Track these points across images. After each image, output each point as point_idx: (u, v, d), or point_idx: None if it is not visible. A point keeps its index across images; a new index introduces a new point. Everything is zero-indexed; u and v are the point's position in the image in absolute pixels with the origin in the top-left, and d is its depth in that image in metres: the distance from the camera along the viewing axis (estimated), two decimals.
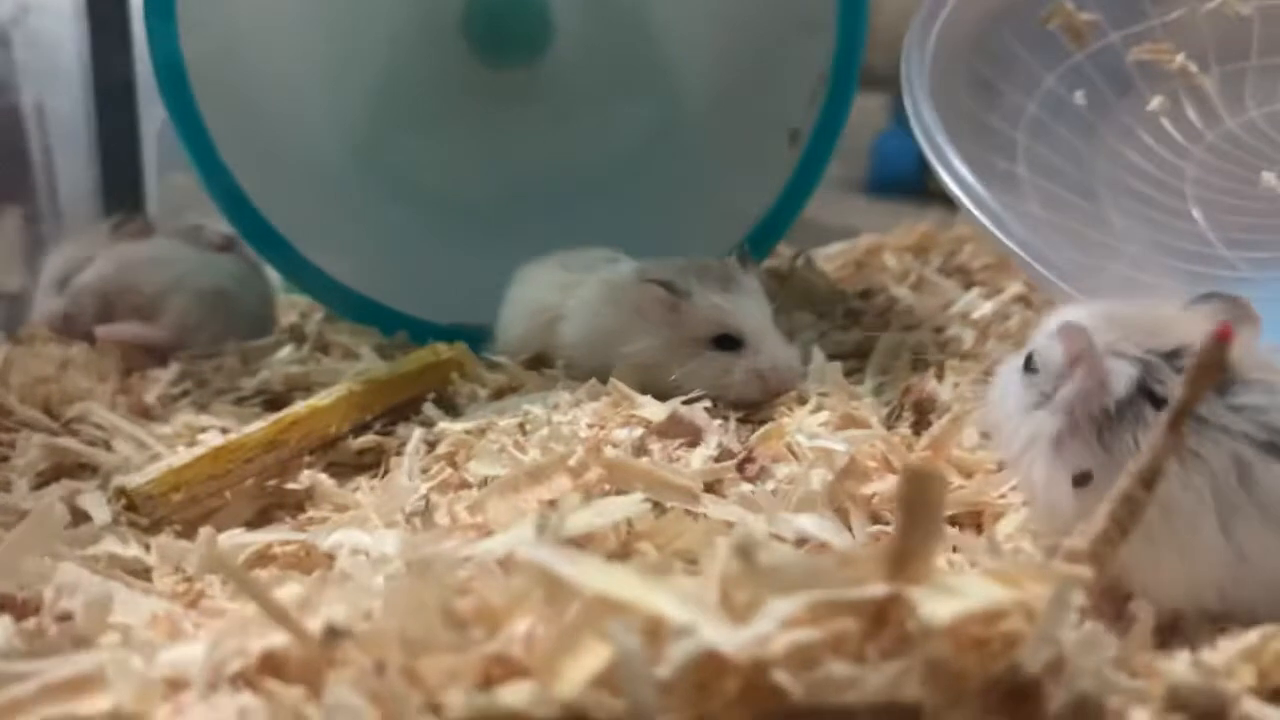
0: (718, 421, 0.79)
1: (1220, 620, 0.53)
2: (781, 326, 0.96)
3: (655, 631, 0.40)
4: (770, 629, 0.40)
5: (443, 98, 1.22)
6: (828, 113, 1.13)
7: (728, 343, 0.88)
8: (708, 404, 0.82)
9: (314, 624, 0.43)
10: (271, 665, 0.43)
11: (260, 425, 0.79)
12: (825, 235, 1.57)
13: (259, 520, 0.77)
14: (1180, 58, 1.07)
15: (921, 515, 0.42)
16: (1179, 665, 0.42)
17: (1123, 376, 0.50)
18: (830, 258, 1.51)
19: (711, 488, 0.69)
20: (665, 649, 0.39)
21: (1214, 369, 0.42)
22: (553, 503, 0.63)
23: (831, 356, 0.96)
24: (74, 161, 1.49)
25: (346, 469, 0.83)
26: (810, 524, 0.50)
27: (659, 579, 0.42)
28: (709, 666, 0.39)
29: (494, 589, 0.45)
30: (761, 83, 1.23)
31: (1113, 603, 0.55)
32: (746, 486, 0.70)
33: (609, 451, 0.67)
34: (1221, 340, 0.41)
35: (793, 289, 1.24)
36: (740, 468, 0.72)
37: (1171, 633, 0.53)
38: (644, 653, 0.38)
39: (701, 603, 0.41)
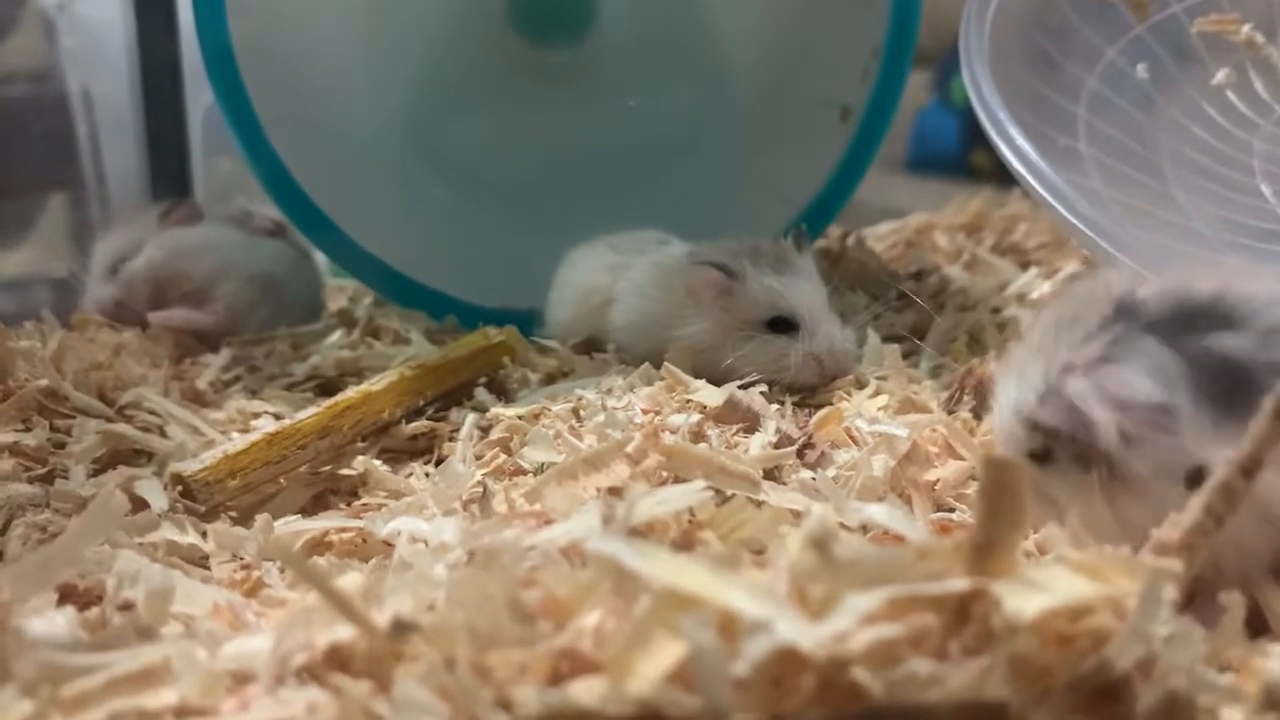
0: (774, 406, 0.78)
1: None
2: (834, 308, 0.94)
3: (728, 626, 0.39)
4: (849, 625, 0.38)
5: (489, 79, 1.21)
6: (881, 89, 1.10)
7: (782, 325, 0.87)
8: (764, 388, 0.80)
9: (379, 616, 0.42)
10: (338, 658, 0.42)
11: (313, 411, 0.79)
12: (866, 214, 1.55)
13: (313, 507, 0.77)
14: (1246, 28, 1.04)
15: (1003, 505, 0.41)
16: (1275, 662, 0.41)
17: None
18: (880, 237, 1.49)
19: (771, 474, 0.68)
20: (740, 645, 0.38)
21: None
22: (614, 490, 0.62)
23: (886, 339, 0.94)
24: (121, 147, 1.49)
25: (400, 454, 0.83)
26: (880, 513, 0.49)
27: (730, 571, 0.41)
28: (785, 663, 0.38)
29: (561, 581, 0.44)
30: (812, 60, 1.21)
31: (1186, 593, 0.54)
32: (807, 473, 0.69)
33: (666, 438, 0.65)
34: None
35: (844, 270, 1.22)
36: (800, 454, 0.71)
37: (1259, 626, 0.51)
38: (719, 649, 0.37)
39: (775, 597, 0.40)
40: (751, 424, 0.74)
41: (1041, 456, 0.55)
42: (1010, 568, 0.41)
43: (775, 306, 0.87)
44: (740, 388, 0.79)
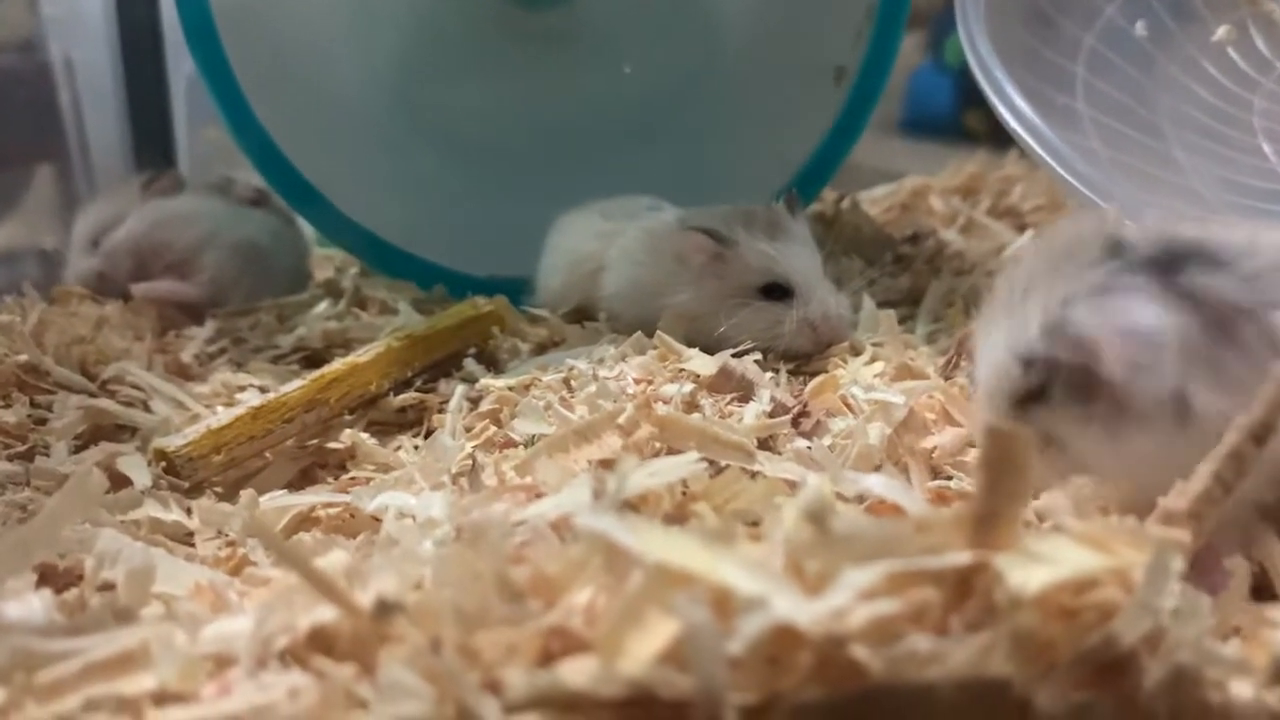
0: (768, 374, 0.76)
1: None
2: (828, 273, 0.92)
3: (723, 603, 0.38)
4: (847, 600, 0.37)
5: (476, 42, 1.18)
6: (875, 48, 1.08)
7: (776, 292, 0.85)
8: (757, 356, 0.79)
9: (363, 596, 0.41)
10: (321, 641, 0.41)
11: (299, 384, 0.77)
12: (861, 177, 1.53)
13: (301, 481, 0.76)
14: None
15: (1005, 476, 0.39)
16: None
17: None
18: (875, 200, 1.47)
19: (765, 444, 0.67)
20: (735, 622, 0.37)
21: None
22: (606, 463, 0.61)
23: (881, 304, 0.93)
24: (103, 117, 1.46)
25: (388, 427, 0.81)
26: (878, 483, 0.48)
27: (724, 546, 0.39)
28: (782, 641, 0.37)
29: (551, 557, 0.43)
30: (806, 21, 1.18)
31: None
32: (802, 442, 0.67)
33: (659, 408, 0.64)
34: None
35: (839, 234, 1.21)
36: (795, 422, 0.69)
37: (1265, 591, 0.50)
38: (713, 627, 0.36)
39: (770, 572, 0.38)
40: (746, 393, 0.73)
41: (1038, 395, 0.54)
42: (1012, 540, 0.39)
43: (769, 273, 0.85)
44: (734, 356, 0.77)
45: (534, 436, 0.67)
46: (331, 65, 1.11)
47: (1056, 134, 0.88)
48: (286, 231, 1.12)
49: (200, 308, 1.02)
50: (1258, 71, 1.01)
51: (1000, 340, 0.54)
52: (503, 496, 0.57)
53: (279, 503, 0.67)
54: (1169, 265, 0.52)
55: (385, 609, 0.40)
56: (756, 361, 0.79)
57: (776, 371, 0.79)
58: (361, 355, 0.81)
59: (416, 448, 0.76)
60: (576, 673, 0.37)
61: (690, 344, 0.82)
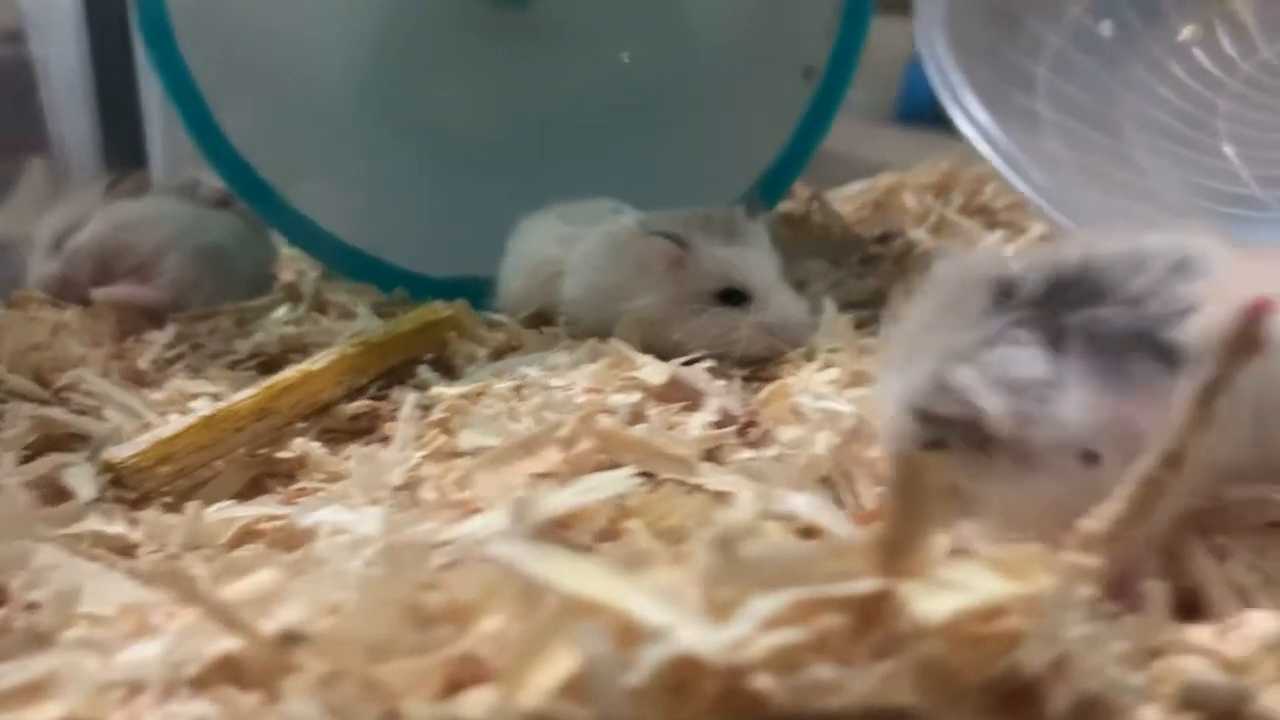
0: (720, 383, 0.76)
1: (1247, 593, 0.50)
2: (794, 274, 0.92)
3: (629, 634, 0.38)
4: (748, 630, 0.37)
5: (444, 39, 1.18)
6: (841, 45, 1.08)
7: (734, 297, 0.85)
8: (711, 364, 0.79)
9: (269, 624, 0.41)
10: (229, 669, 0.41)
11: (251, 392, 0.77)
12: (854, 169, 1.53)
13: (250, 490, 0.75)
14: None
15: (914, 502, 0.39)
16: (1192, 661, 0.39)
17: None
18: (849, 198, 1.47)
19: (712, 455, 0.67)
20: (636, 653, 0.36)
21: (1249, 344, 0.38)
22: (546, 476, 0.61)
23: (846, 306, 0.92)
24: (75, 114, 1.46)
25: (342, 435, 0.81)
26: (802, 504, 0.47)
27: (636, 574, 0.39)
28: (685, 671, 0.37)
29: (467, 583, 0.43)
30: (776, 19, 1.18)
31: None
32: (749, 453, 0.67)
33: (603, 420, 0.64)
34: (1258, 313, 0.38)
35: (806, 234, 1.20)
36: (742, 432, 0.69)
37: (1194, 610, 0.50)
38: (613, 659, 0.36)
39: (680, 601, 0.38)
40: (695, 402, 0.72)
41: (935, 446, 0.53)
42: (922, 567, 0.39)
43: (726, 278, 0.85)
44: (686, 364, 0.77)
45: (479, 449, 0.66)
46: (293, 60, 1.10)
47: (1015, 137, 0.88)
48: (252, 234, 1.11)
49: (162, 311, 1.01)
50: (1223, 72, 1.01)
51: (895, 389, 0.54)
52: (439, 513, 0.57)
53: (225, 514, 0.67)
54: (1056, 302, 0.51)
55: (289, 639, 0.39)
56: (710, 369, 0.78)
57: (730, 379, 0.79)
58: (315, 363, 0.80)
59: (372, 458, 0.75)
60: (475, 704, 0.37)
61: (648, 349, 0.82)
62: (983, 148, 0.81)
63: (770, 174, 1.13)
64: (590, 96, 1.21)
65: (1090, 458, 0.46)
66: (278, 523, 0.65)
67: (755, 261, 0.86)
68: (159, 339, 0.95)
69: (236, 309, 1.02)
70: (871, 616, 0.39)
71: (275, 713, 0.38)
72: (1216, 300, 0.47)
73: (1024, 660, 0.37)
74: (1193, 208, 0.91)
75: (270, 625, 0.40)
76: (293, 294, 1.07)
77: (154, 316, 1.01)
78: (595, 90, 1.21)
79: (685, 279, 0.85)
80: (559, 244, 0.94)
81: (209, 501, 0.70)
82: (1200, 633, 0.46)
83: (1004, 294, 0.52)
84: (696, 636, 0.37)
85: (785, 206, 1.33)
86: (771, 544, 0.39)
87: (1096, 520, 0.42)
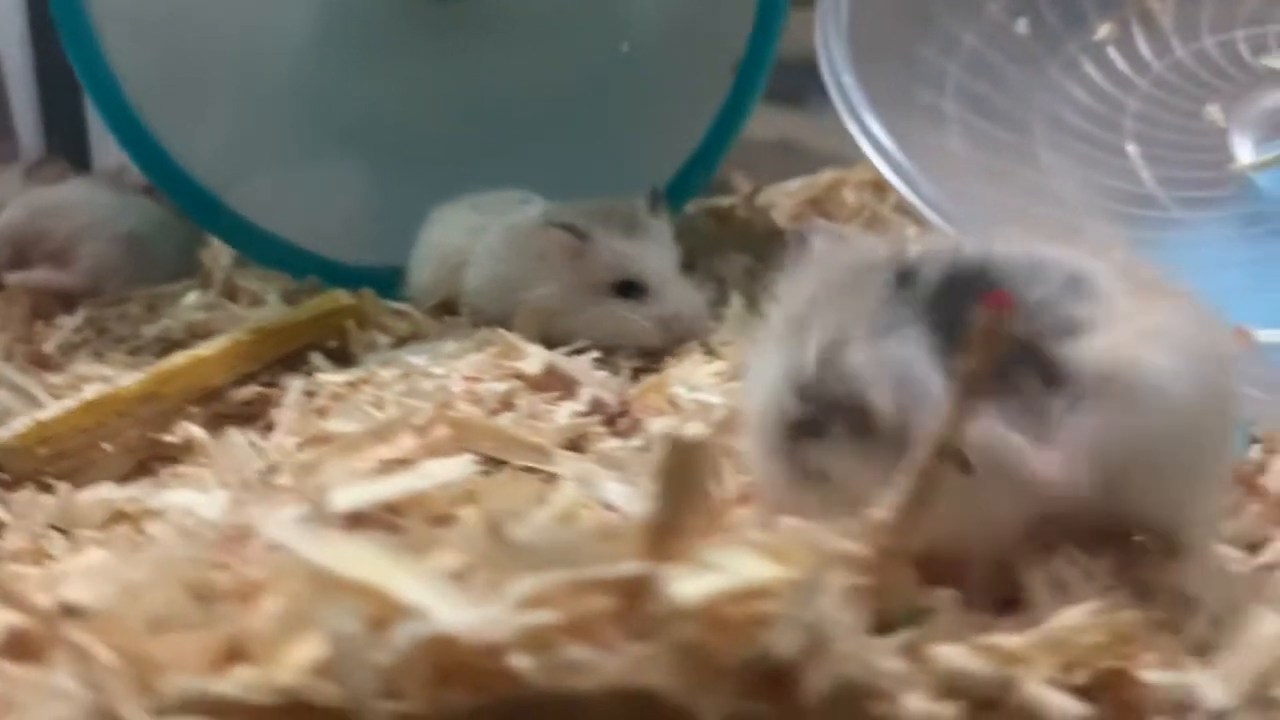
0: (602, 373, 0.77)
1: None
2: (715, 269, 0.92)
3: (393, 614, 0.38)
4: (505, 610, 0.37)
5: (374, 29, 1.18)
6: (755, 40, 1.08)
7: (631, 289, 0.86)
8: (598, 354, 0.79)
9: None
10: (18, 645, 0.42)
11: (138, 376, 0.78)
12: (820, 162, 1.52)
13: (137, 473, 0.76)
14: None
15: (683, 486, 0.40)
16: (953, 650, 0.40)
17: None
18: (790, 193, 1.47)
19: (576, 444, 0.67)
20: (390, 632, 0.37)
21: (996, 337, 0.39)
22: (400, 462, 0.61)
23: (760, 301, 0.92)
24: (19, 101, 1.46)
25: (234, 420, 0.81)
26: (614, 491, 0.48)
27: (407, 557, 0.40)
28: (442, 651, 0.38)
29: (259, 563, 0.43)
30: (704, 13, 1.19)
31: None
32: (615, 443, 0.68)
33: (461, 407, 0.65)
34: (1000, 306, 0.38)
35: (733, 229, 1.21)
36: (612, 422, 0.70)
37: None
38: (362, 637, 0.36)
39: (443, 583, 0.39)
40: (570, 392, 0.73)
41: (812, 428, 0.53)
42: (689, 550, 0.40)
43: (623, 270, 0.85)
44: (572, 353, 0.78)
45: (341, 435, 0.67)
46: (221, 50, 1.10)
47: (917, 136, 0.88)
48: (175, 221, 1.11)
49: (78, 297, 1.02)
50: (1136, 72, 1.01)
51: (778, 366, 0.53)
52: (284, 499, 0.57)
53: (96, 496, 0.68)
54: (951, 297, 0.50)
55: (68, 612, 0.40)
56: (598, 359, 0.79)
57: (618, 370, 0.80)
58: (205, 348, 0.81)
59: (251, 444, 0.76)
60: (231, 680, 0.37)
61: (547, 340, 0.82)
62: (871, 154, 0.81)
63: (688, 165, 1.13)
64: (521, 89, 1.21)
65: (965, 466, 0.44)
66: (139, 506, 0.65)
67: (653, 254, 0.86)
68: (67, 324, 0.96)
69: (148, 295, 1.02)
70: (635, 600, 0.39)
71: (36, 684, 0.38)
72: (1105, 326, 0.47)
73: (774, 643, 0.38)
74: (1094, 207, 0.91)
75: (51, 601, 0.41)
76: (205, 280, 1.07)
77: (69, 302, 1.01)
78: (526, 83, 1.21)
79: (583, 270, 0.86)
80: (467, 234, 0.95)
81: (93, 483, 0.71)
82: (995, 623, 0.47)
83: (901, 282, 0.51)
84: (453, 617, 0.37)
85: (723, 201, 1.34)
86: (540, 527, 0.40)
87: (879, 509, 0.43)
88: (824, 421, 0.52)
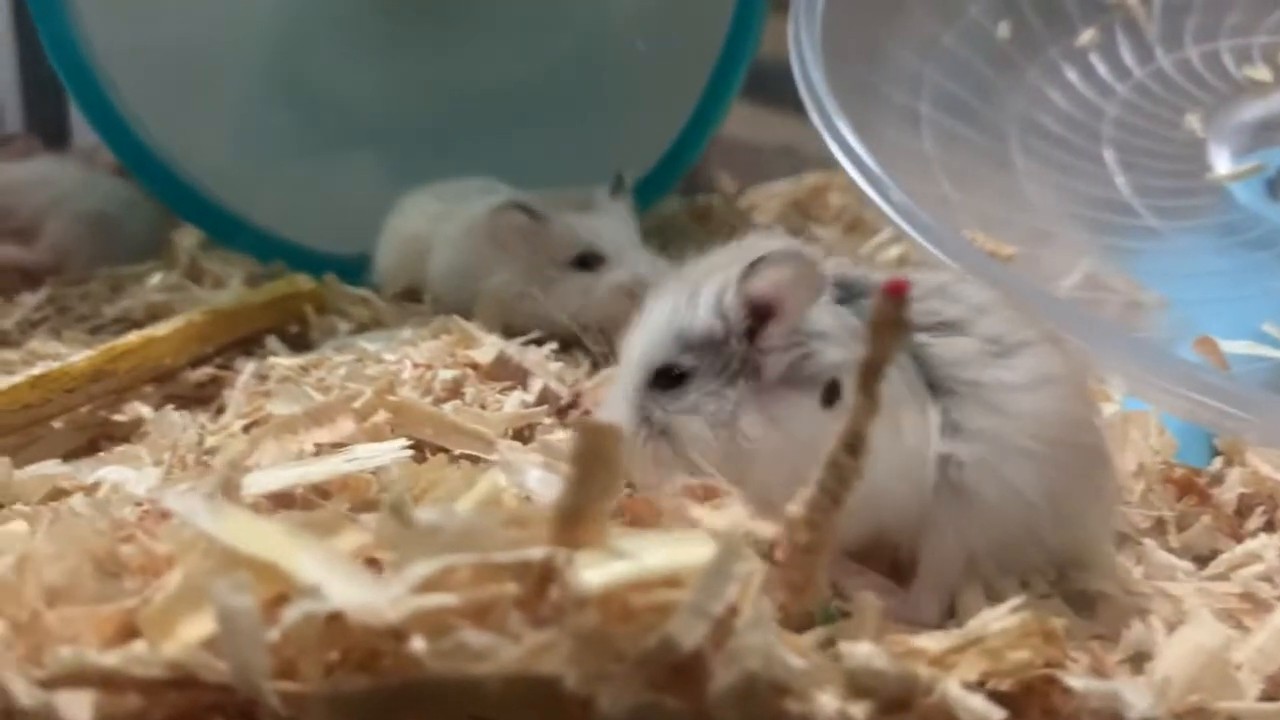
0: (559, 365, 0.76)
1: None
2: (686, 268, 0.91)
3: (286, 591, 0.37)
4: (400, 592, 0.36)
5: (354, 17, 1.17)
6: (733, 36, 1.07)
7: (589, 261, 0.84)
8: (555, 345, 0.79)
9: None
10: None
11: (87, 354, 0.76)
12: (809, 166, 1.51)
13: (86, 450, 0.75)
14: None
15: (595, 471, 0.39)
16: (862, 649, 0.39)
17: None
18: (775, 194, 1.46)
19: (521, 434, 0.66)
20: (282, 610, 0.36)
21: (894, 325, 0.38)
22: (337, 446, 0.60)
23: None
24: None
25: (188, 401, 0.80)
26: (534, 478, 0.47)
27: (309, 537, 0.39)
28: (336, 631, 0.37)
29: (165, 539, 0.42)
30: (684, 6, 1.18)
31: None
32: (562, 434, 0.67)
33: (407, 394, 0.63)
34: (895, 294, 0.37)
35: (712, 228, 1.20)
36: (562, 414, 0.69)
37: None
38: (251, 613, 0.35)
39: (341, 563, 0.38)
40: (521, 381, 0.72)
41: (682, 376, 0.52)
42: (598, 536, 0.39)
43: (578, 241, 0.84)
44: (528, 343, 0.77)
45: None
46: (194, 33, 1.09)
47: (889, 137, 0.87)
48: (142, 201, 1.10)
49: (42, 273, 1.01)
50: (1116, 78, 1.00)
51: (661, 314, 0.53)
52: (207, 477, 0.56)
53: (38, 472, 0.67)
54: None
55: None
56: (557, 350, 0.78)
57: (577, 364, 0.79)
58: (159, 328, 0.80)
59: (203, 426, 0.75)
60: (120, 654, 0.36)
61: (509, 330, 0.81)
62: (838, 154, 0.80)
63: (663, 161, 1.12)
64: (496, 82, 1.20)
65: (833, 389, 0.48)
66: (75, 482, 0.64)
67: (607, 226, 0.85)
68: (29, 301, 0.95)
69: (111, 274, 1.01)
70: (539, 586, 0.38)
71: None
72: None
73: (675, 634, 0.37)
74: (1068, 213, 0.90)
75: None
76: (170, 261, 1.06)
77: (32, 278, 1.00)
78: (501, 76, 1.20)
79: (539, 249, 0.85)
80: (430, 221, 0.94)
81: (39, 459, 0.70)
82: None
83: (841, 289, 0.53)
84: (348, 595, 0.36)
85: (699, 200, 1.33)
86: (445, 510, 0.39)
87: (798, 504, 0.42)
88: (692, 369, 0.52)
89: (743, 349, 0.51)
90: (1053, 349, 0.52)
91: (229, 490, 0.44)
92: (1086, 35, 1.03)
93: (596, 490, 0.39)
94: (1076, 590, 0.52)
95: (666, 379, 0.52)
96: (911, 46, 0.97)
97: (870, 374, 0.38)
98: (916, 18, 0.99)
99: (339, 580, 0.37)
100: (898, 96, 0.92)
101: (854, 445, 0.40)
